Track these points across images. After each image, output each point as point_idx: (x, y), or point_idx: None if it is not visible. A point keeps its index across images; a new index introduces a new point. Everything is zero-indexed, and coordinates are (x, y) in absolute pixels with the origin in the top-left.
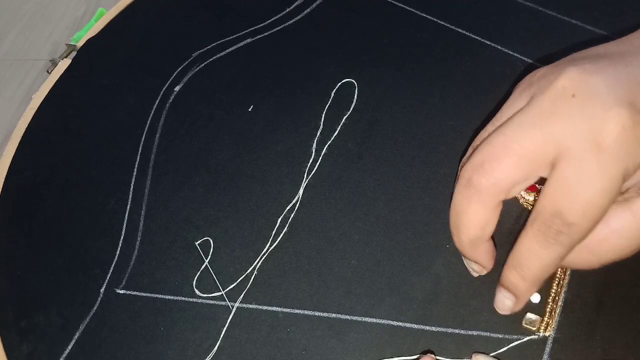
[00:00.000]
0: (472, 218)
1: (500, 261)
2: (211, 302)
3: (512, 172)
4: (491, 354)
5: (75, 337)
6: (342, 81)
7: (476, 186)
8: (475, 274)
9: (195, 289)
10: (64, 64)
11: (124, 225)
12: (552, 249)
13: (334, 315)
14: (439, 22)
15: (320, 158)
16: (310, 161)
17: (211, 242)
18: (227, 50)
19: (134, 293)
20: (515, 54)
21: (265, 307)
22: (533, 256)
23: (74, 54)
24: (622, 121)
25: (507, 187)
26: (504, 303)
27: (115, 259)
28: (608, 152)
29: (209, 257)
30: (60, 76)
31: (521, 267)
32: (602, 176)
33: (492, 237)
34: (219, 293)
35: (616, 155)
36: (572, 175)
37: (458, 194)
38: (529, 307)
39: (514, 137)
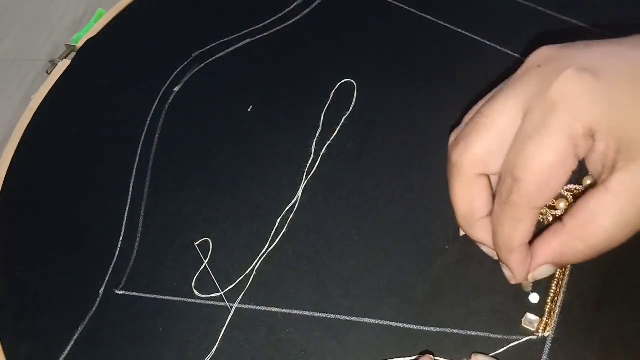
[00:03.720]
0: (458, 193)
1: None
2: (210, 302)
3: (481, 142)
4: (490, 355)
5: (74, 338)
6: (342, 81)
7: (454, 162)
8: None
9: (194, 290)
10: (63, 65)
11: (123, 225)
12: (508, 211)
13: (333, 316)
14: (438, 22)
15: (320, 158)
16: (310, 161)
17: (210, 242)
18: (227, 51)
19: (133, 294)
20: (515, 54)
21: (264, 308)
22: (497, 221)
23: (73, 54)
24: (569, 79)
25: (480, 158)
26: (505, 272)
27: (114, 259)
28: (552, 108)
29: (208, 257)
30: (60, 77)
31: (495, 233)
32: (545, 130)
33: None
34: (218, 294)
35: (560, 110)
36: (522, 132)
37: (447, 174)
38: (528, 307)
39: (483, 112)
